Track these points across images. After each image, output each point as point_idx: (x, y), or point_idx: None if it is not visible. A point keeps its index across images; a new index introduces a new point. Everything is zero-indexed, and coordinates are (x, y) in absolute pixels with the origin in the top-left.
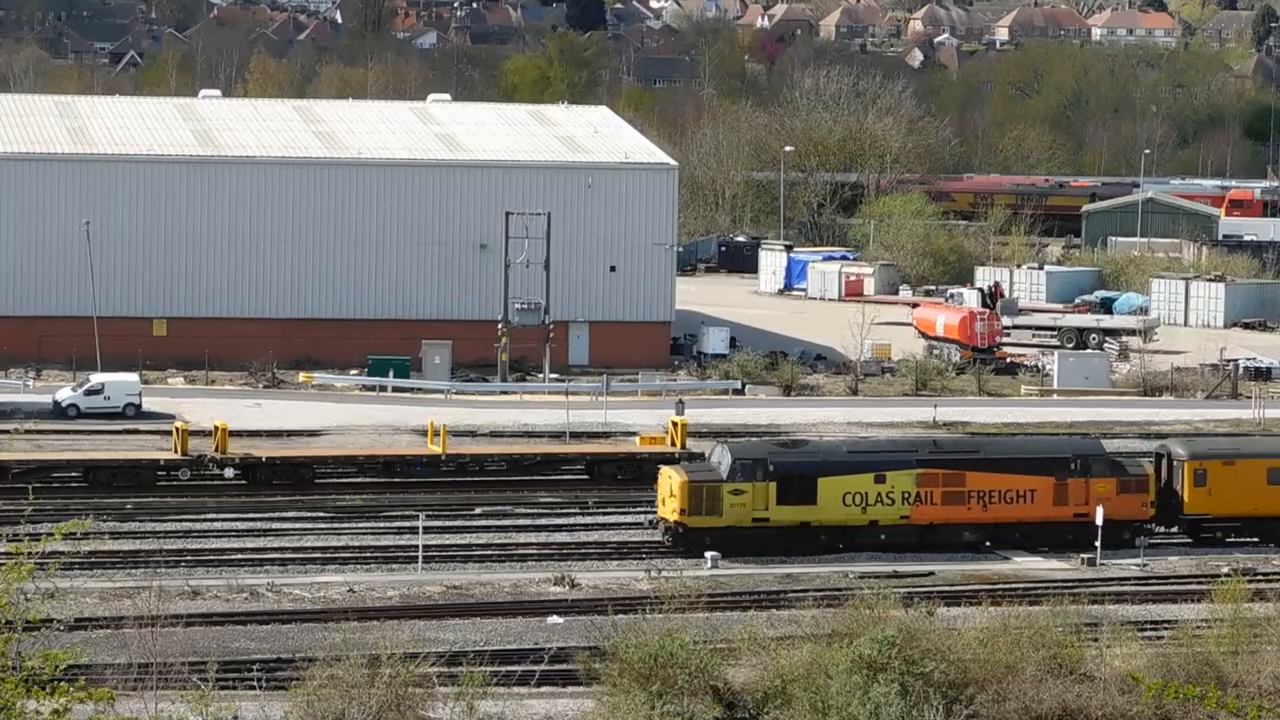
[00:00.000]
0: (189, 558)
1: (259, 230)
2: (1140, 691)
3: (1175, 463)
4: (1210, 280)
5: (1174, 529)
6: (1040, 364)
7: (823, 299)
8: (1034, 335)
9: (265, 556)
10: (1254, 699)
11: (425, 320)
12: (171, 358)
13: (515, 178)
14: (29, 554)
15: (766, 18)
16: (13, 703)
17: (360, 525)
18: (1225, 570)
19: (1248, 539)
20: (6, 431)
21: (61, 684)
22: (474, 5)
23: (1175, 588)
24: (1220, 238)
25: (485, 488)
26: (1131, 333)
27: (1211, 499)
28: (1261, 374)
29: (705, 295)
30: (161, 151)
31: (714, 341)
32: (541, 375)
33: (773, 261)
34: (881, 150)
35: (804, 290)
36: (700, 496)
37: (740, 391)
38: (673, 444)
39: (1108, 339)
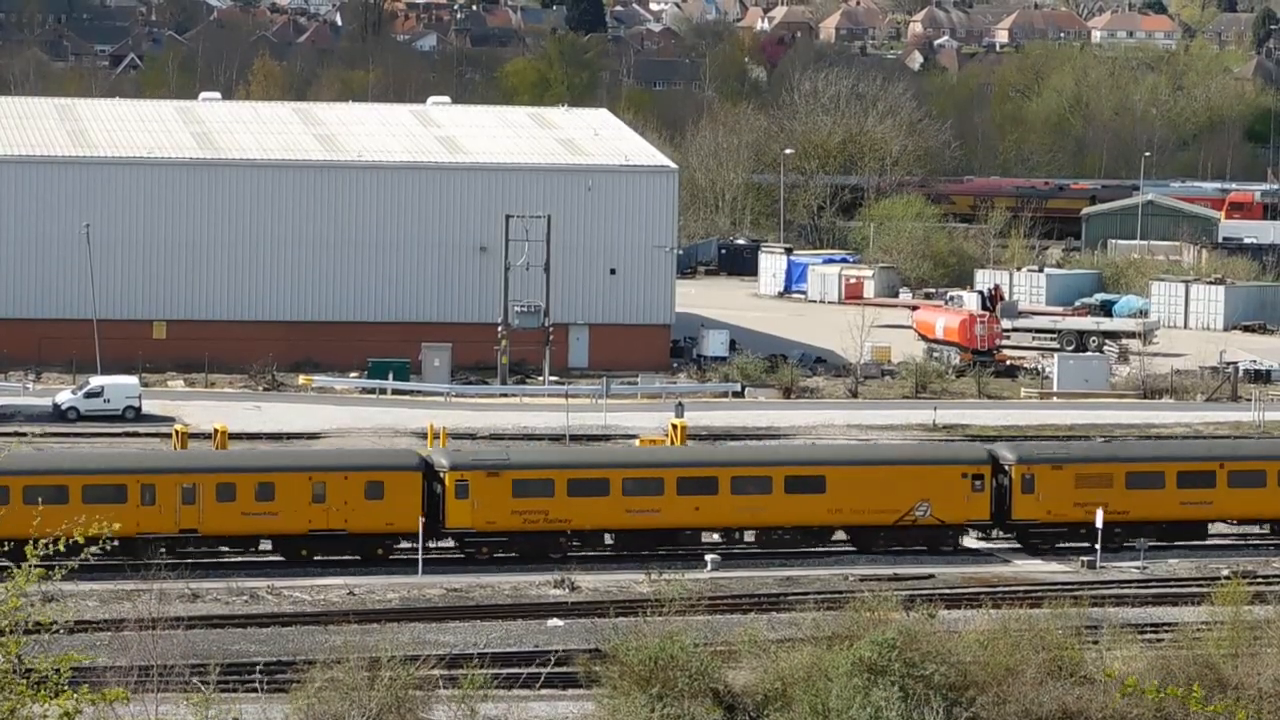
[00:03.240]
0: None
1: (259, 233)
2: (1136, 693)
3: (1004, 466)
4: (1210, 283)
5: (1007, 533)
6: (1040, 366)
7: (823, 302)
8: (1034, 338)
9: (265, 558)
10: (1254, 701)
11: (425, 323)
12: (171, 360)
13: (515, 180)
14: (37, 559)
15: (766, 20)
16: (20, 706)
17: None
18: (1225, 573)
19: (1079, 544)
20: (8, 434)
21: (68, 688)
22: (474, 8)
23: (1175, 590)
24: (1220, 240)
25: None
26: (1131, 335)
27: (1039, 503)
28: (1261, 377)
29: (705, 298)
30: (161, 154)
31: (714, 344)
32: (541, 378)
33: (773, 264)
34: (881, 153)
35: (804, 293)
36: None
37: (740, 394)
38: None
39: (1107, 341)
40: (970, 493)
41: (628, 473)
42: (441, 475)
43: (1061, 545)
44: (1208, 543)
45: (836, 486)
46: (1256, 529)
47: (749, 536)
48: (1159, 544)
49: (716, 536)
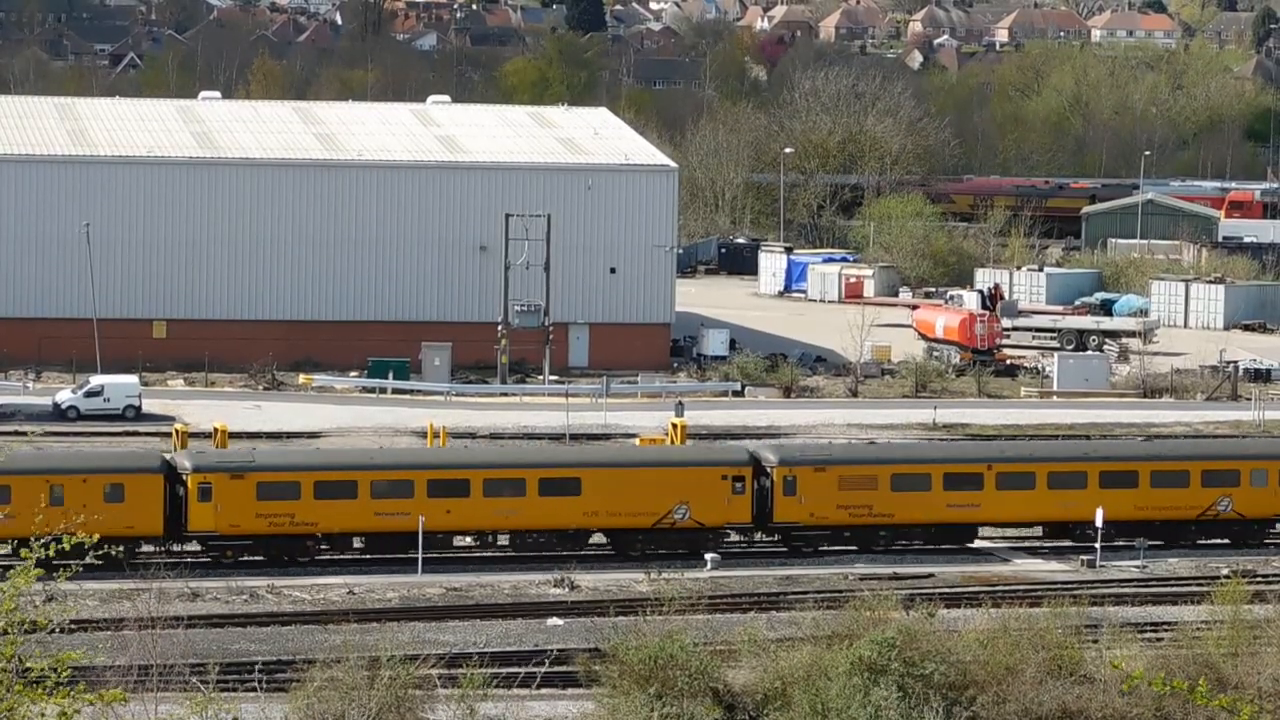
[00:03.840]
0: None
1: (259, 232)
2: (1140, 693)
3: (766, 468)
4: (1210, 282)
5: (769, 536)
6: (1040, 366)
7: (822, 301)
8: (1034, 337)
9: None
10: (1253, 700)
11: (425, 322)
12: (171, 360)
13: (515, 179)
14: (35, 559)
15: (766, 19)
16: (18, 706)
17: None
18: (1225, 572)
19: (846, 548)
20: (9, 433)
21: (63, 687)
22: (474, 7)
23: (1175, 589)
24: (1220, 239)
25: None
26: (1131, 334)
27: (802, 506)
28: (1261, 376)
29: (705, 297)
30: (161, 153)
31: (714, 343)
32: (541, 377)
33: (772, 263)
34: (881, 152)
35: (804, 292)
36: None
37: (740, 393)
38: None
39: (1107, 341)
40: (731, 495)
41: (376, 475)
42: (184, 478)
43: (825, 549)
44: (1208, 542)
45: (592, 489)
46: (1060, 534)
47: (503, 540)
48: (925, 549)
49: (469, 540)
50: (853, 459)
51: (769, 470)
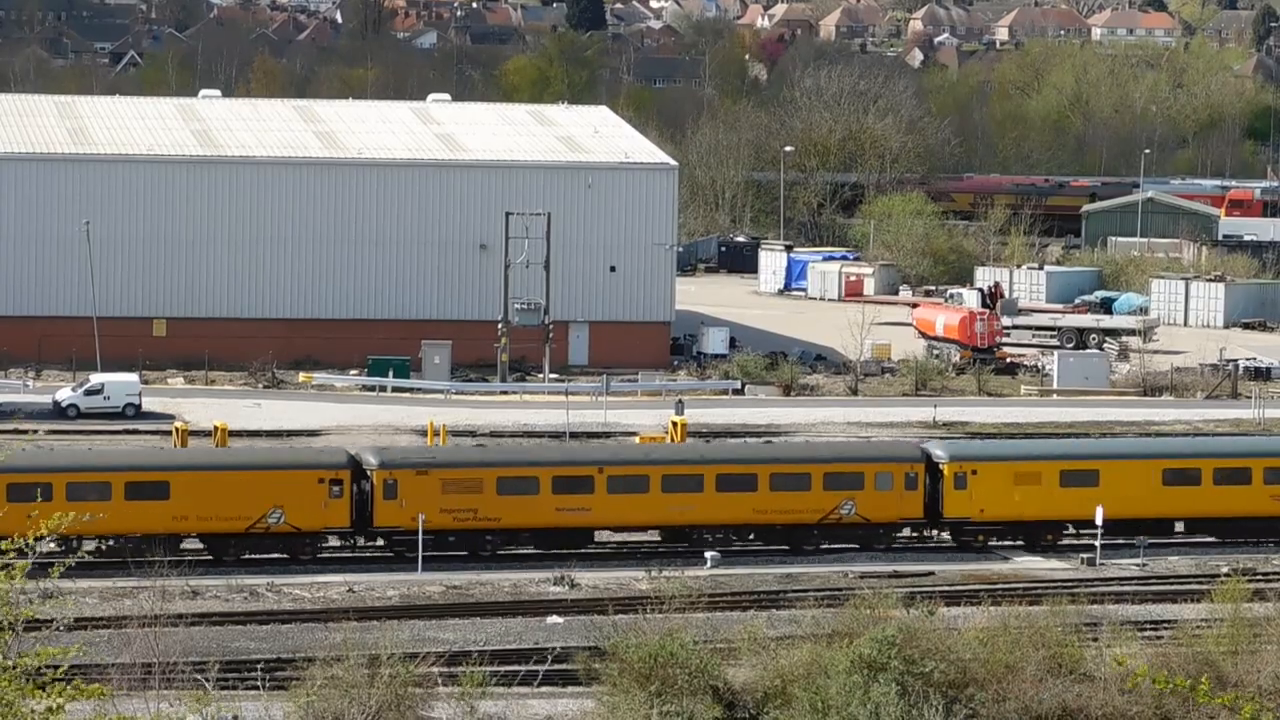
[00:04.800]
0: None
1: (259, 230)
2: (1140, 691)
3: (367, 471)
4: (1210, 280)
5: (369, 540)
6: (1040, 364)
7: (823, 299)
8: (1034, 335)
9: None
10: (1254, 698)
11: (425, 320)
12: (171, 358)
13: (515, 178)
14: (24, 552)
15: (766, 17)
16: (11, 701)
17: None
18: (1225, 570)
19: (451, 552)
20: (9, 432)
21: (57, 683)
22: (474, 5)
23: (1174, 587)
24: (1220, 238)
25: None
26: (1131, 333)
27: (403, 509)
28: (1261, 374)
29: (705, 295)
30: (162, 152)
31: (714, 342)
32: (541, 375)
33: (773, 261)
34: (881, 150)
35: (804, 290)
36: None
37: (740, 392)
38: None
39: (1107, 339)
40: (329, 499)
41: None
42: (370, 474)
43: (429, 555)
44: (1208, 540)
45: (182, 492)
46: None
47: (89, 545)
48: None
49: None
50: (457, 462)
51: (369, 473)
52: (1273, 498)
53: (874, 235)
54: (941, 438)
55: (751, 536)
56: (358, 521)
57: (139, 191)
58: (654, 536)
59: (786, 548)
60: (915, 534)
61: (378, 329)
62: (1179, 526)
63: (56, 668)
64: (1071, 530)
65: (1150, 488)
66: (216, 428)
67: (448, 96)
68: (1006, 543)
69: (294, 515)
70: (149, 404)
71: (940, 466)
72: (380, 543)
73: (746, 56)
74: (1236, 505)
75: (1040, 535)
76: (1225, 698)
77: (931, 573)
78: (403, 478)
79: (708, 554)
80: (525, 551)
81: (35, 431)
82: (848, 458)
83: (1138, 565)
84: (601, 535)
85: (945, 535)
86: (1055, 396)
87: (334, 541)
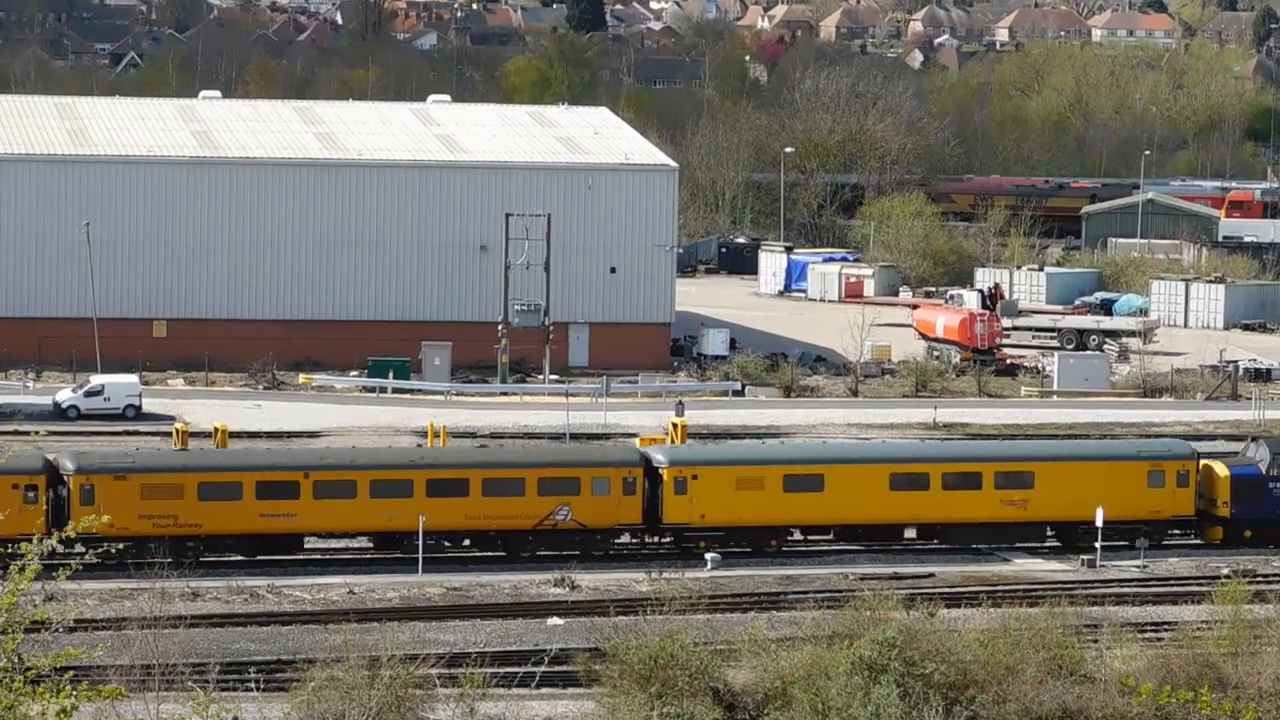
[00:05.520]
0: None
1: (259, 232)
2: (1141, 692)
3: (64, 477)
4: (1210, 282)
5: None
6: (1040, 365)
7: (823, 300)
8: (1034, 336)
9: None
10: (1254, 700)
11: (425, 322)
12: (171, 359)
13: (515, 179)
14: (34, 556)
15: (766, 19)
16: (18, 704)
17: None
18: (1225, 572)
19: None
20: (9, 433)
21: (67, 685)
22: (474, 6)
23: (1175, 589)
24: (1220, 239)
25: None
26: (1131, 334)
27: (100, 515)
28: (1261, 375)
29: (705, 297)
30: (162, 153)
31: (714, 343)
32: (541, 377)
33: (773, 263)
34: (881, 151)
35: (804, 292)
36: None
37: (740, 393)
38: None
39: (1107, 340)
40: (23, 504)
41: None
42: (660, 471)
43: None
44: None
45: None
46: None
47: None
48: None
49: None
50: (156, 467)
51: (65, 479)
52: (1004, 502)
53: (874, 236)
54: (73, 449)
55: (466, 542)
56: (54, 527)
57: (139, 192)
58: (365, 542)
59: (504, 554)
60: (636, 540)
61: (378, 330)
62: (911, 532)
63: (69, 669)
64: (798, 535)
65: (877, 492)
66: (216, 429)
67: (448, 98)
68: (731, 549)
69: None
70: (149, 405)
71: (660, 471)
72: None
73: (746, 58)
74: (967, 510)
75: (764, 541)
76: (1226, 705)
77: (932, 574)
78: (100, 483)
79: (708, 555)
80: (233, 559)
81: (36, 433)
82: (563, 462)
83: (1138, 567)
84: (312, 542)
85: (667, 541)
86: (1055, 398)
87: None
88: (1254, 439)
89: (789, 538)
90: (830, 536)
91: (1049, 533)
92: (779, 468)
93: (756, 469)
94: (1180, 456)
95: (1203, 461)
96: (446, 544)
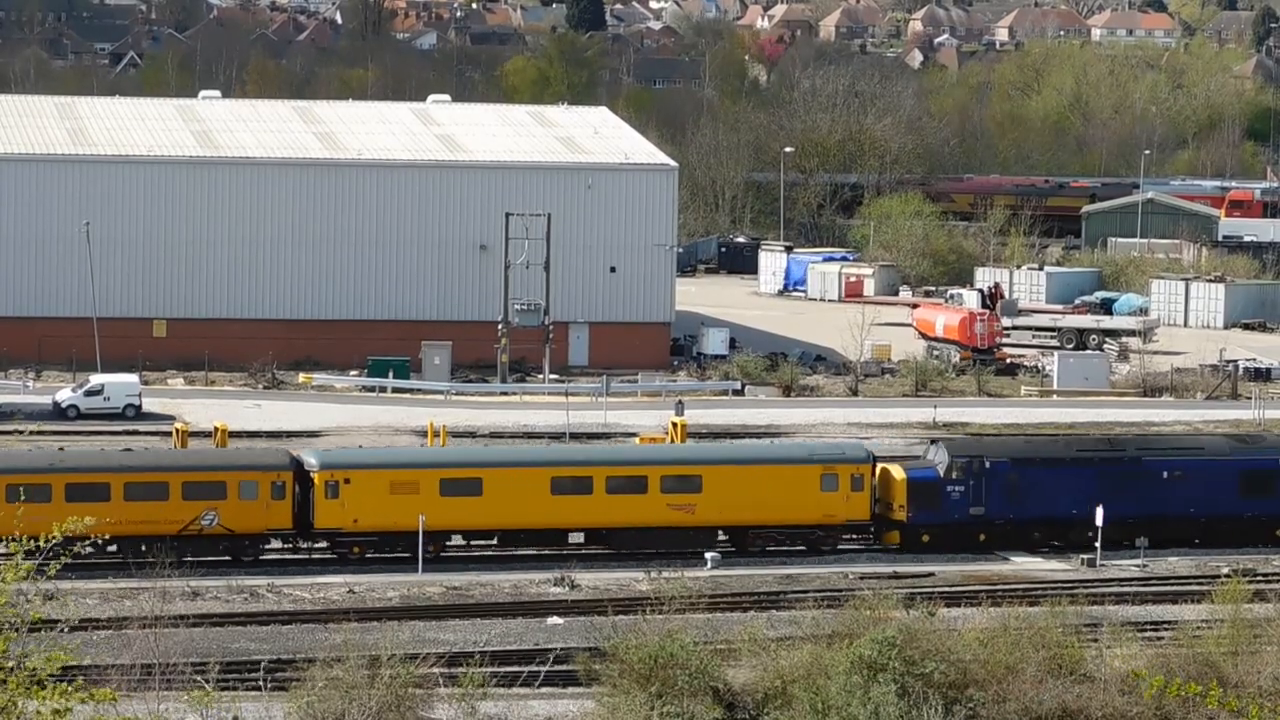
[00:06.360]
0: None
1: (259, 231)
2: (1141, 692)
3: None
4: (1210, 281)
5: None
6: (1040, 365)
7: (822, 300)
8: (1034, 336)
9: (264, 557)
10: (1254, 699)
11: (425, 321)
12: (171, 359)
13: (515, 178)
14: (26, 553)
15: (766, 18)
16: (14, 703)
17: None
18: (1225, 571)
19: None
20: (9, 432)
21: (61, 684)
22: (474, 6)
23: (1175, 588)
24: (1220, 239)
25: None
26: (1131, 333)
27: None
28: (1261, 375)
29: (705, 296)
30: (161, 152)
31: (714, 342)
32: (541, 376)
33: (772, 262)
34: (881, 151)
35: (804, 291)
36: None
37: (740, 392)
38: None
39: (1107, 340)
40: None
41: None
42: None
43: None
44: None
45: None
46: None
47: None
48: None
49: None
50: (399, 463)
51: (310, 474)
52: (670, 506)
53: (874, 236)
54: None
55: (113, 548)
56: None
57: (139, 192)
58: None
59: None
60: (288, 545)
61: (378, 330)
62: (578, 537)
63: (70, 668)
64: (460, 540)
65: (539, 497)
66: (216, 429)
67: (448, 97)
68: (385, 554)
69: None
70: (149, 405)
71: (311, 475)
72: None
73: (746, 57)
74: (632, 514)
75: (422, 546)
76: (1232, 702)
77: (932, 574)
78: (348, 477)
79: (708, 555)
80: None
81: (32, 432)
82: (208, 466)
83: (1138, 566)
84: None
85: (320, 546)
86: (1055, 397)
87: None
88: (933, 441)
89: (447, 543)
90: (494, 541)
91: (721, 537)
92: (435, 471)
93: (411, 472)
94: (855, 460)
95: (881, 465)
96: (89, 549)
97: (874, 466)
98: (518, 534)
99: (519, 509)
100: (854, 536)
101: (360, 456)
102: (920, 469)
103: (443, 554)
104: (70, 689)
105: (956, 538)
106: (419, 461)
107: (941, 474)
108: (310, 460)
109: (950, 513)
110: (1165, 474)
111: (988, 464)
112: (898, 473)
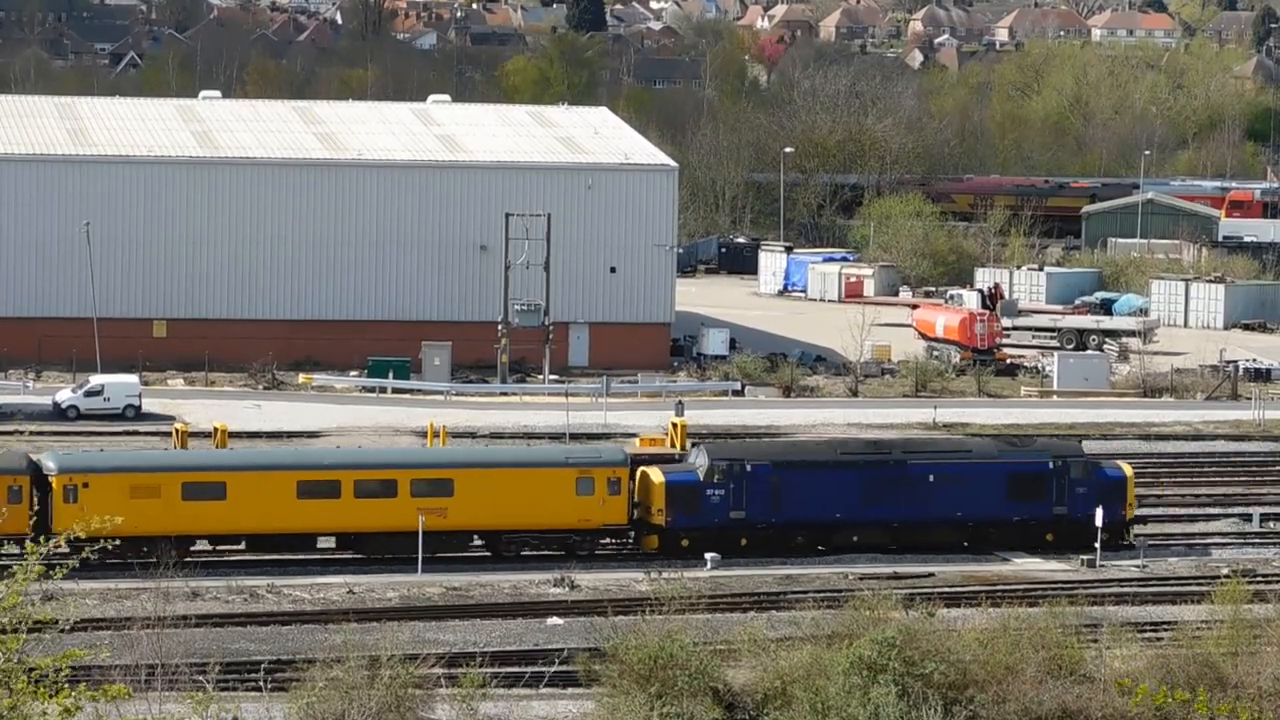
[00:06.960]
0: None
1: (259, 231)
2: (1137, 692)
3: None
4: (1210, 281)
5: None
6: (1040, 365)
7: (822, 300)
8: (1034, 336)
9: (264, 557)
10: (1254, 700)
11: (425, 321)
12: (171, 359)
13: (515, 179)
14: (36, 556)
15: (766, 18)
16: (21, 704)
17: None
18: (1225, 571)
19: None
20: (8, 433)
21: (67, 685)
22: (474, 6)
23: (1174, 589)
24: (1220, 239)
25: None
26: (1131, 334)
27: None
28: (1261, 375)
29: (705, 296)
30: (162, 152)
31: (714, 343)
32: (541, 376)
33: (772, 263)
34: (881, 151)
35: (804, 291)
36: None
37: (740, 393)
38: (672, 445)
39: (1107, 340)
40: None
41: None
42: None
43: None
44: (1208, 541)
45: None
46: None
47: None
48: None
49: None
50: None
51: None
52: (421, 510)
53: (874, 236)
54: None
55: None
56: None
57: (139, 192)
58: None
59: None
60: (19, 551)
61: (378, 330)
62: (328, 542)
63: (83, 669)
64: (206, 545)
65: (285, 501)
66: (216, 429)
67: (448, 98)
68: (129, 560)
69: None
70: (149, 405)
71: (49, 479)
72: None
73: (746, 58)
74: (382, 519)
75: (165, 551)
76: (1223, 707)
77: (931, 574)
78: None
79: (708, 555)
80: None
81: (31, 433)
82: None
83: (1137, 566)
84: None
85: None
86: (1055, 398)
87: None
88: (695, 444)
89: (192, 548)
90: (241, 546)
91: (476, 541)
92: (177, 475)
93: (152, 476)
94: (611, 463)
95: (640, 468)
96: None
97: (631, 470)
98: (265, 539)
99: (264, 514)
100: (611, 541)
101: (100, 460)
102: (679, 472)
103: (187, 559)
104: (79, 689)
105: (717, 542)
106: (160, 465)
107: (701, 477)
108: (48, 464)
109: (710, 516)
110: (931, 477)
111: (748, 467)
112: (656, 476)
